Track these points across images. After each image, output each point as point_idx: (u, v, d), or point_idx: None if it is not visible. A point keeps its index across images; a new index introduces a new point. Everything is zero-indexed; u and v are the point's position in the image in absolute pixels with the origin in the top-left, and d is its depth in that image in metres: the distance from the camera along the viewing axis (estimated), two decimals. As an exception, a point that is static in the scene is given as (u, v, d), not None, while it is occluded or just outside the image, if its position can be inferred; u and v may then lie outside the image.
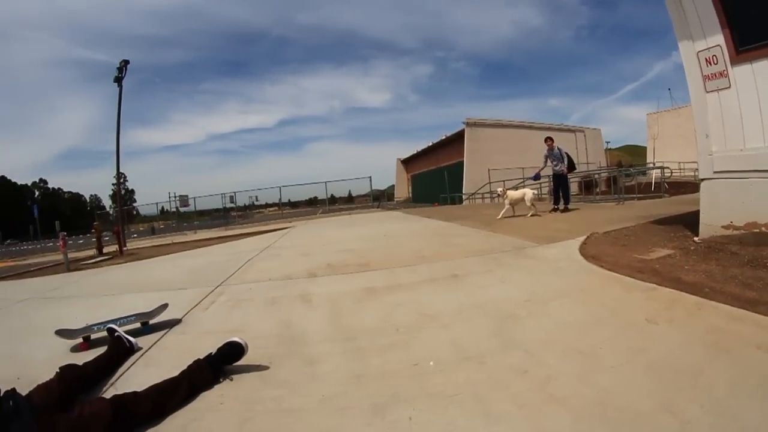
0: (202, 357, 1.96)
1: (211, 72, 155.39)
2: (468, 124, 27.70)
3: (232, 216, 21.44)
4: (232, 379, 1.87)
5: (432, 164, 33.30)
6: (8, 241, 51.94)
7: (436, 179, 30.02)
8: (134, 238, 19.28)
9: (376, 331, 2.31)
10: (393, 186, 44.49)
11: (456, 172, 26.68)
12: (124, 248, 11.12)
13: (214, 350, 2.00)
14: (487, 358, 1.90)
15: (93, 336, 2.76)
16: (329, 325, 2.53)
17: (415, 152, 40.02)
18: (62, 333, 2.83)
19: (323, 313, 2.74)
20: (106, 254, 10.08)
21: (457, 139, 29.34)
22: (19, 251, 31.75)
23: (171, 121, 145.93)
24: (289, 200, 21.24)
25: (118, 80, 14.04)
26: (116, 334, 2.52)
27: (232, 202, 20.16)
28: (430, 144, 35.25)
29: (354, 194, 32.92)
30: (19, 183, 76.99)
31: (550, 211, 8.31)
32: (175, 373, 1.97)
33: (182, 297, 3.49)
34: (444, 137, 32.48)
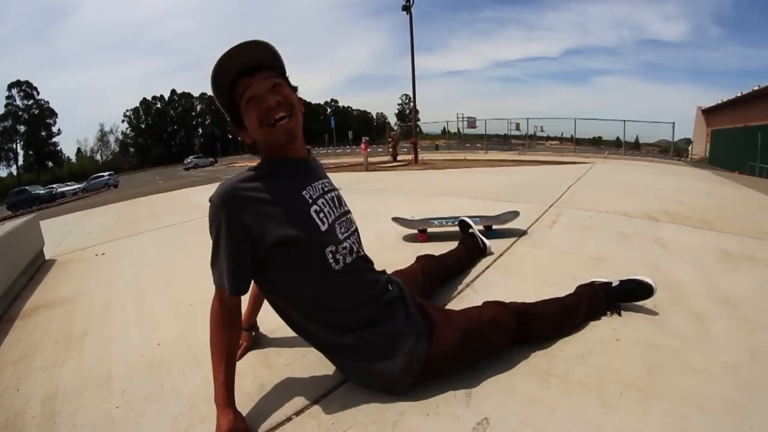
0: (599, 281, 1.68)
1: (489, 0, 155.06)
2: None
3: (513, 143, 21.70)
4: (621, 315, 1.59)
5: (739, 120, 25.60)
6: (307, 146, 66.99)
7: (743, 141, 23.10)
8: (420, 151, 21.63)
9: (758, 304, 1.77)
10: (687, 140, 35.13)
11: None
12: (419, 158, 12.33)
13: (603, 279, 1.70)
14: None
15: (430, 230, 2.81)
16: (701, 281, 2.02)
17: (719, 102, 31.03)
18: (399, 221, 2.92)
19: (687, 266, 2.23)
20: (401, 161, 11.46)
21: None
22: (315, 154, 41.13)
23: (452, 48, 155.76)
24: (571, 136, 19.79)
25: (407, 8, 15.21)
26: (470, 230, 2.43)
27: (517, 129, 20.17)
28: (738, 94, 26.86)
29: (641, 141, 28.16)
30: (313, 102, 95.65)
31: None
32: (535, 287, 1.88)
33: (515, 209, 3.45)
34: (756, 88, 24.30)
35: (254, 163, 1.19)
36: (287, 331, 1.27)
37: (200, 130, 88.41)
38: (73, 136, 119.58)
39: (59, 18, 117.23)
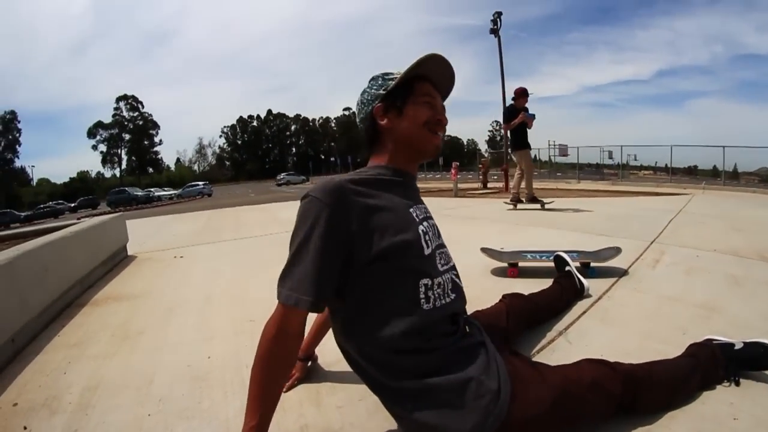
0: (716, 341, 1.39)
1: (577, 21, 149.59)
2: None
3: (605, 172, 20.78)
4: (739, 385, 1.30)
5: None
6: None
7: None
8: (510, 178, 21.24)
9: None
10: None
11: None
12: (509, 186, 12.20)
13: (722, 338, 1.41)
14: None
15: (521, 264, 2.64)
16: None
17: None
18: (488, 252, 2.82)
19: None
20: (491, 188, 11.42)
21: None
22: None
23: (541, 73, 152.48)
24: (666, 165, 18.37)
25: (495, 32, 15.30)
26: (567, 268, 2.22)
27: (610, 157, 19.33)
28: None
29: (739, 170, 25.27)
30: None
31: None
32: (638, 340, 1.62)
33: (614, 245, 3.30)
34: None
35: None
36: (348, 366, 1.09)
37: (294, 149, 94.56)
38: (173, 147, 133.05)
39: (163, 41, 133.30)
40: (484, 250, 2.84)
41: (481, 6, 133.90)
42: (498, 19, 15.39)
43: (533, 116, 6.02)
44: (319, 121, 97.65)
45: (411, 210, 1.05)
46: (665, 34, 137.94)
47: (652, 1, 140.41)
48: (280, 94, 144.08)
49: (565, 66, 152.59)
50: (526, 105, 6.09)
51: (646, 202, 7.66)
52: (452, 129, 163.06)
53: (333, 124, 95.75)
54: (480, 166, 16.93)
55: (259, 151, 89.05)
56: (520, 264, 2.68)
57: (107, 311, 2.26)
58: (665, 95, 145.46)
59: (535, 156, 26.51)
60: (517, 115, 5.96)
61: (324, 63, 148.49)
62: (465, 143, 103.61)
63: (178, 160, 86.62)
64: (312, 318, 1.23)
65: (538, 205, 5.96)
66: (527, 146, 6.17)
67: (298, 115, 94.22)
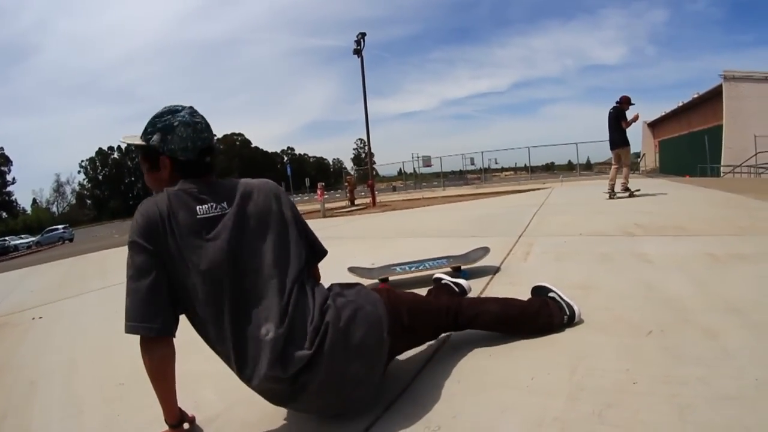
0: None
1: (438, 41, 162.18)
2: (726, 78, 21.09)
3: (468, 178, 22.28)
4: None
5: (683, 128, 27.11)
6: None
7: (688, 146, 24.36)
8: (378, 193, 21.94)
9: (764, 304, 1.71)
10: (636, 153, 36.95)
11: (712, 138, 21.14)
12: (376, 201, 12.24)
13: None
14: None
15: (392, 278, 2.54)
16: (698, 292, 1.91)
17: (663, 114, 33.09)
18: (357, 271, 2.63)
19: (679, 279, 2.12)
20: (359, 205, 11.33)
21: (712, 97, 22.84)
22: None
23: (405, 91, 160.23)
24: (525, 165, 20.86)
25: (358, 52, 15.49)
26: (443, 281, 2.13)
27: (472, 163, 20.82)
28: (680, 104, 28.65)
29: (592, 161, 29.73)
30: (270, 151, 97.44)
31: None
32: None
33: (482, 245, 3.20)
34: (695, 96, 25.99)
35: None
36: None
37: None
38: (28, 186, 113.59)
39: (19, 59, 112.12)
40: (352, 269, 2.65)
41: (346, 28, 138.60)
42: (362, 40, 15.69)
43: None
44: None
45: None
46: (521, 51, 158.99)
47: (509, 22, 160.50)
48: (143, 122, 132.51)
49: (427, 83, 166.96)
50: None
51: (511, 200, 8.22)
52: (317, 150, 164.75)
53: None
54: (346, 184, 17.21)
55: (121, 186, 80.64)
56: (391, 278, 2.56)
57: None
58: (521, 104, 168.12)
59: (400, 169, 28.11)
60: (626, 117, 6.57)
61: (189, 86, 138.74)
62: (331, 163, 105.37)
63: (34, 201, 74.77)
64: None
65: (626, 194, 6.46)
66: (629, 143, 6.79)
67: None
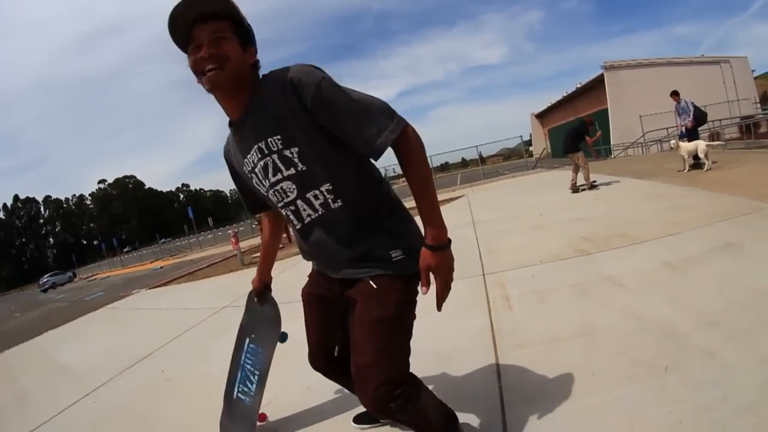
0: None
1: (324, 58, 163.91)
2: (606, 68, 24.77)
3: None
4: None
5: (569, 115, 30.22)
6: (162, 240, 58.54)
7: (577, 131, 27.25)
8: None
9: (730, 310, 2.02)
10: (526, 143, 40.34)
11: (599, 121, 23.76)
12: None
13: None
14: None
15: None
16: (678, 310, 2.11)
17: (549, 105, 37.03)
18: None
19: (654, 298, 2.32)
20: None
21: (595, 85, 26.54)
22: (176, 247, 36.27)
23: None
24: None
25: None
26: None
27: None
28: (565, 94, 32.25)
29: (484, 155, 31.07)
30: (165, 191, 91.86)
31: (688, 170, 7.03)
32: None
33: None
34: (579, 85, 29.29)
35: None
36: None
37: (50, 239, 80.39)
38: None
39: None
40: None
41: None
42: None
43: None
44: (73, 200, 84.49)
45: (246, 158, 1.21)
46: (405, 60, 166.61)
47: (392, 34, 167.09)
48: (25, 174, 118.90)
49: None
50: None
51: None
52: (213, 182, 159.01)
53: (89, 202, 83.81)
54: (257, 223, 15.73)
55: (12, 250, 71.44)
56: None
57: None
58: (409, 110, 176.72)
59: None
60: (590, 133, 7.83)
61: (73, 127, 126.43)
62: (228, 194, 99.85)
63: None
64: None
65: (589, 188, 7.46)
66: (579, 149, 7.73)
67: (48, 197, 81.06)
